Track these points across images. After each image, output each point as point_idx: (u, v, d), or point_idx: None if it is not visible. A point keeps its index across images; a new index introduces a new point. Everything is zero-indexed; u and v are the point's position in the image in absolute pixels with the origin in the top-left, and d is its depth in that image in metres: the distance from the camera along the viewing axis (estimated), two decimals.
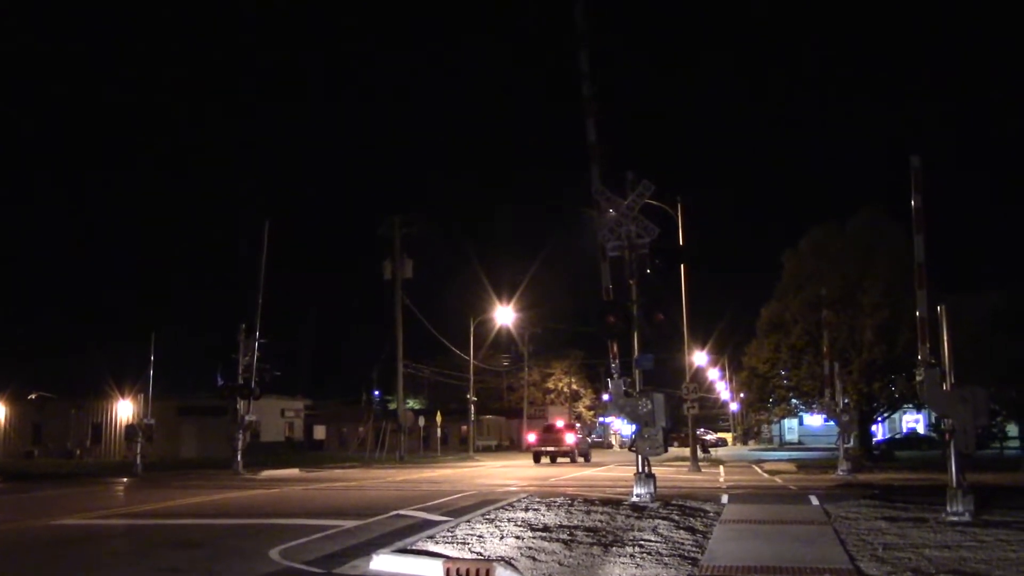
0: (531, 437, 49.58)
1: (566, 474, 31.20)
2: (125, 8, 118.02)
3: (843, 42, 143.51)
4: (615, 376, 16.27)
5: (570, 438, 42.78)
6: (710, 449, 59.59)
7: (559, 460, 42.02)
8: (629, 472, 18.07)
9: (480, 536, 10.93)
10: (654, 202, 25.41)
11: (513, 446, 72.93)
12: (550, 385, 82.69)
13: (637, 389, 16.27)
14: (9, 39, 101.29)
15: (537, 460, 42.20)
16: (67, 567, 10.25)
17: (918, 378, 13.75)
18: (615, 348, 16.52)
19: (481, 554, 9.64)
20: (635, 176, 16.89)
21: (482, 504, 16.31)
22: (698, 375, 63.04)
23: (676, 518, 13.06)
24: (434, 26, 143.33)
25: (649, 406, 15.76)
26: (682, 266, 31.86)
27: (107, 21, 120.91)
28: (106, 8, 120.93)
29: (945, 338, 13.53)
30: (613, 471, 33.15)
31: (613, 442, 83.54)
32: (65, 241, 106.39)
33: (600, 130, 16.94)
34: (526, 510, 13.92)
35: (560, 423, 47.85)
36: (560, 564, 9.25)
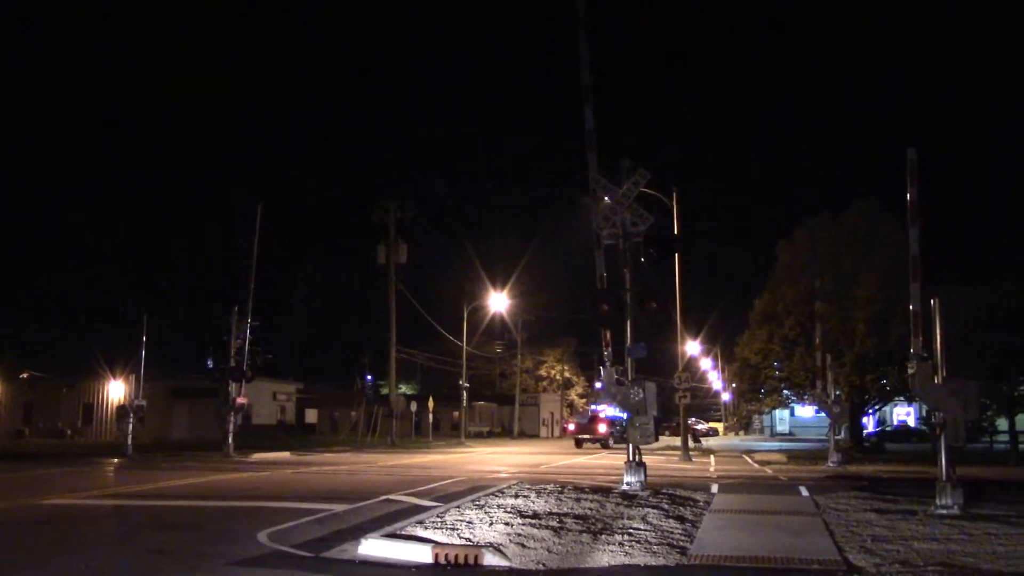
0: (571, 426, 58.81)
1: (557, 461, 31.25)
2: None
3: (840, 32, 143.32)
4: (608, 364, 16.26)
5: (603, 428, 49.28)
6: (701, 439, 59.90)
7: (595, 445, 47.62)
8: (620, 460, 18.07)
9: (469, 522, 10.92)
10: (649, 191, 25.39)
11: (505, 432, 73.03)
12: (543, 372, 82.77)
13: (629, 377, 16.26)
14: (9, 25, 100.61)
15: (579, 445, 47.76)
16: (53, 547, 10.21)
17: (910, 371, 13.77)
18: (608, 336, 16.48)
19: (470, 540, 9.63)
20: (631, 164, 16.83)
21: (472, 490, 16.30)
22: (690, 364, 63.05)
23: (666, 507, 13.07)
24: (430, 13, 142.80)
25: (641, 395, 15.76)
26: (676, 255, 31.80)
27: (104, 5, 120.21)
28: None
29: (938, 332, 13.54)
30: (604, 459, 33.19)
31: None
32: (57, 220, 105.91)
33: (597, 117, 16.84)
34: (516, 497, 13.92)
35: (601, 415, 52.39)
36: (549, 551, 9.24)
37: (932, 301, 13.66)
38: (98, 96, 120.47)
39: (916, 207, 14.03)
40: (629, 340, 16.45)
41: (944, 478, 13.17)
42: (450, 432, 62.83)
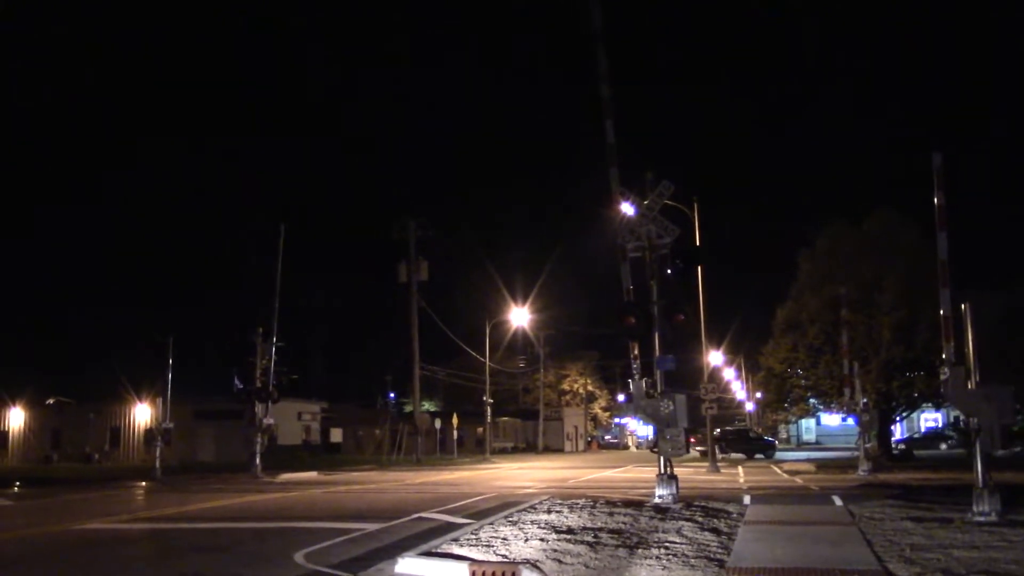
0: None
1: (584, 475, 31.15)
2: (138, 6, 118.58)
3: (861, 39, 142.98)
4: (636, 377, 16.21)
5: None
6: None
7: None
8: (647, 473, 18.03)
9: (504, 538, 10.91)
10: (670, 202, 25.35)
11: (529, 448, 72.83)
12: (565, 386, 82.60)
13: (659, 390, 16.19)
14: (24, 36, 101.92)
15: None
16: (93, 572, 10.27)
17: (943, 377, 13.64)
18: (636, 349, 16.45)
19: (506, 556, 9.62)
20: (655, 176, 16.84)
21: (503, 506, 16.28)
22: (714, 375, 62.91)
23: (700, 519, 13.00)
24: (448, 27, 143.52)
25: (671, 407, 15.70)
26: (699, 266, 31.69)
27: (120, 19, 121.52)
28: (120, 6, 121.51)
29: (969, 336, 13.41)
30: (631, 472, 33.05)
31: (629, 443, 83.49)
32: (82, 245, 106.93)
33: (617, 130, 16.88)
34: (548, 512, 13.89)
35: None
36: (586, 567, 9.21)
37: (963, 306, 13.54)
38: (117, 121, 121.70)
39: (943, 212, 13.94)
40: (657, 352, 16.40)
41: (981, 484, 13.00)
42: (474, 448, 62.72)
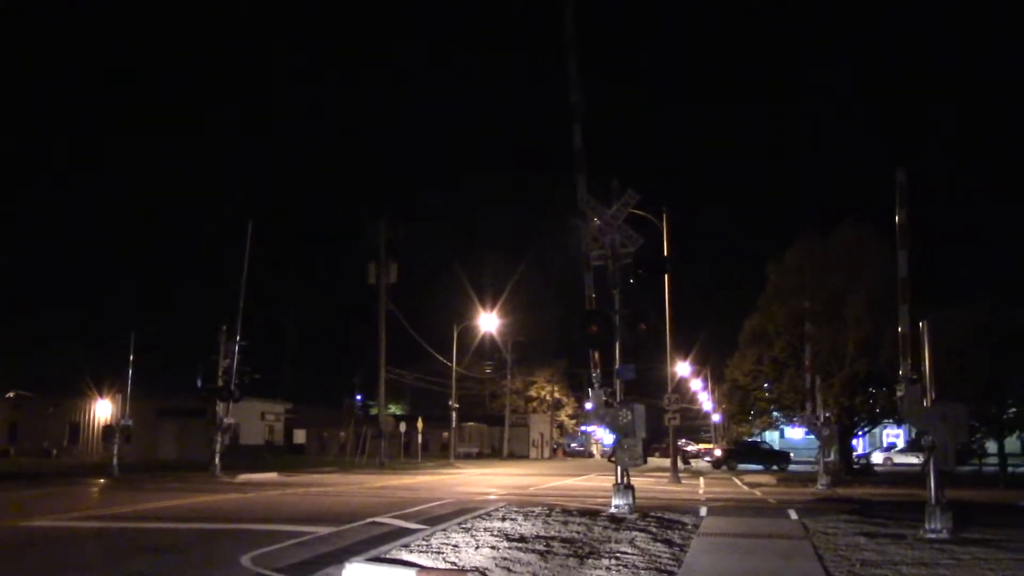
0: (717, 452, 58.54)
1: (546, 483, 31.10)
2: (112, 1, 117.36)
3: (829, 54, 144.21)
4: (596, 386, 16.15)
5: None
6: (691, 460, 59.92)
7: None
8: (609, 482, 17.94)
9: (455, 545, 10.80)
10: (638, 211, 25.39)
11: (494, 453, 72.73)
12: (532, 393, 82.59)
13: (618, 399, 16.15)
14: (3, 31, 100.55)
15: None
16: (30, 573, 10.06)
17: (899, 393, 13.71)
18: (597, 357, 16.39)
19: (455, 564, 9.52)
20: (620, 185, 16.81)
21: (460, 512, 16.17)
22: (680, 386, 63.17)
23: (654, 530, 12.95)
24: (421, 30, 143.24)
25: (629, 417, 15.65)
26: (665, 276, 31.83)
27: (97, 14, 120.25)
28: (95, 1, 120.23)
29: (926, 354, 13.49)
30: (593, 480, 33.07)
31: (595, 451, 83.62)
32: (44, 239, 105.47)
33: (586, 138, 16.81)
34: (503, 519, 13.80)
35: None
36: (535, 575, 9.13)
37: (921, 324, 13.62)
38: (84, 110, 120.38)
39: (905, 229, 13.99)
40: (618, 361, 16.37)
41: (933, 501, 13.07)
42: (439, 453, 62.53)
